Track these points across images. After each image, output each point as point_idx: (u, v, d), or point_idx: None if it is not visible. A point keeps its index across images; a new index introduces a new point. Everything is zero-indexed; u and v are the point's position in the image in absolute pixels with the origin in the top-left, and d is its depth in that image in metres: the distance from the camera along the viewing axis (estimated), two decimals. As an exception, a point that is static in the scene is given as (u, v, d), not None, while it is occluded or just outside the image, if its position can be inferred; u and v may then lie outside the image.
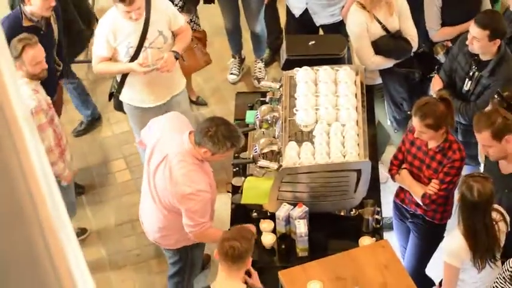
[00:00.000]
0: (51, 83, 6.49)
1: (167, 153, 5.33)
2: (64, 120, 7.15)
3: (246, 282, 4.85)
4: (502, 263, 5.04)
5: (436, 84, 6.20)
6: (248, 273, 4.92)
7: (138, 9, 6.06)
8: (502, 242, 5.06)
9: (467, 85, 6.04)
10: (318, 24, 7.20)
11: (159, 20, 6.26)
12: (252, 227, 5.43)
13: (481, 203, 4.87)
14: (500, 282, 4.96)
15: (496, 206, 5.07)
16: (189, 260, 5.94)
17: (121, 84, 6.54)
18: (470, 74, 6.03)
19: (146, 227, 5.80)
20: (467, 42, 5.95)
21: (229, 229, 5.32)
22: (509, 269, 4.90)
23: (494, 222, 4.98)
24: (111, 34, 6.20)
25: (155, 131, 5.53)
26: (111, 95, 6.79)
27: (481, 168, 5.84)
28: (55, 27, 6.56)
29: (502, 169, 5.37)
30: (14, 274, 1.33)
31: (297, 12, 7.27)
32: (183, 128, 5.43)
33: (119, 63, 6.34)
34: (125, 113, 6.81)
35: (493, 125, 5.17)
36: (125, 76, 6.47)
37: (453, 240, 5.05)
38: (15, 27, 6.16)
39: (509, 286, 4.89)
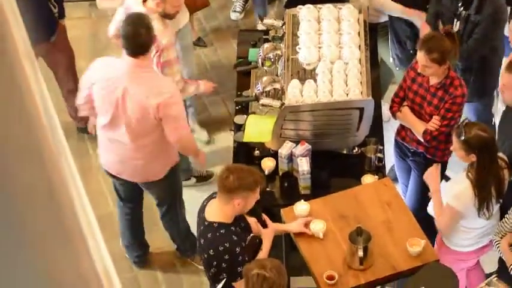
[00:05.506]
0: (48, 24, 6.43)
1: (122, 83, 5.26)
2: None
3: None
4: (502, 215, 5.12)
5: (424, 30, 6.10)
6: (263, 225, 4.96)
7: None
8: (505, 190, 5.09)
9: (457, 26, 5.97)
10: None
11: None
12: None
13: (493, 139, 4.96)
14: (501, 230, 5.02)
15: (500, 154, 5.09)
16: (178, 183, 5.92)
17: None
18: (458, 13, 5.96)
19: (130, 174, 5.67)
20: None
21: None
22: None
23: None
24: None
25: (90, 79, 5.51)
26: None
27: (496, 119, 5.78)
28: None
29: None
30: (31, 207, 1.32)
31: None
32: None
33: None
34: None
35: None
36: None
37: (459, 186, 5.08)
38: None
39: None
